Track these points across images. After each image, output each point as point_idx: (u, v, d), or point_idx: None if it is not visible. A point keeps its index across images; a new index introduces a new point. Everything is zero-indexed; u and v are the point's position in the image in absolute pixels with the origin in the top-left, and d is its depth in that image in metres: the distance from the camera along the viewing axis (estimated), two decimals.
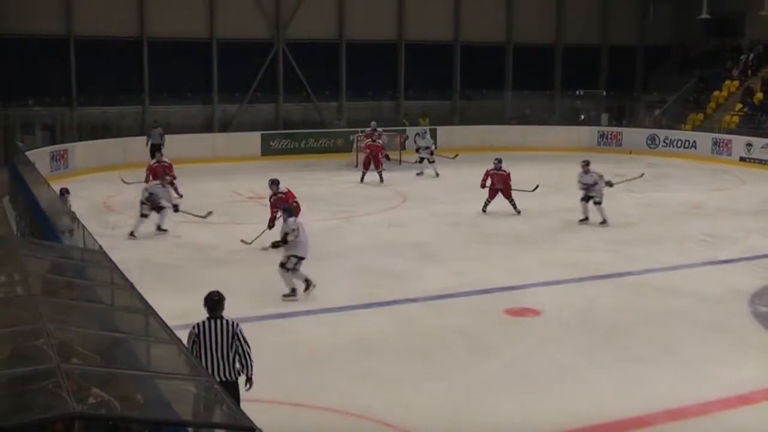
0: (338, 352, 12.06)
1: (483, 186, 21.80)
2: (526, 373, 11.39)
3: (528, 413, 10.11)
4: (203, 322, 8.90)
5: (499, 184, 22.12)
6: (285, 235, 14.36)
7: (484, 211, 21.95)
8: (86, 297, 8.93)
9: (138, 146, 30.02)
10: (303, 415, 10.08)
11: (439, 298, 14.74)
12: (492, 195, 22.11)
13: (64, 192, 17.47)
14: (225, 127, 34.26)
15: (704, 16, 37.19)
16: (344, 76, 36.97)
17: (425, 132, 27.92)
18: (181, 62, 33.77)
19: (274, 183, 17.94)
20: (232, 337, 8.85)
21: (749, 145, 32.34)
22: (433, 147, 28.73)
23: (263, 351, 11.87)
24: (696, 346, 12.45)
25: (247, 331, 11.69)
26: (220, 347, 8.82)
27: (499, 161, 22.26)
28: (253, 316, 12.98)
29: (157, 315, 8.16)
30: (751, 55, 38.40)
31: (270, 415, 9.41)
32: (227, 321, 8.92)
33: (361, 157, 28.39)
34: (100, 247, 11.60)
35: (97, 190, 19.88)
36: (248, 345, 8.94)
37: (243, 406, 6.11)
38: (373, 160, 27.25)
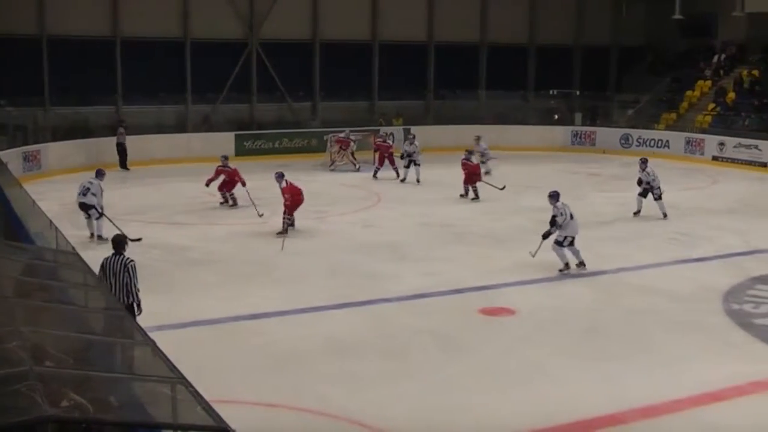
0: (313, 353, 12.05)
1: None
2: (500, 372, 11.44)
3: (502, 412, 10.14)
4: (108, 257, 11.09)
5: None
6: (554, 217, 16.05)
7: (465, 195, 23.97)
8: (59, 299, 8.89)
9: (112, 146, 29.87)
10: (278, 416, 10.08)
11: (413, 298, 14.75)
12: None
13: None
14: (199, 128, 34.10)
15: (677, 16, 37.43)
16: (318, 77, 36.92)
17: (413, 138, 27.93)
18: (155, 62, 33.61)
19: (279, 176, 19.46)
20: (124, 270, 10.86)
21: (722, 144, 32.57)
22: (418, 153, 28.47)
23: (238, 352, 11.91)
24: (669, 345, 12.53)
25: (222, 332, 11.73)
26: (119, 277, 10.86)
27: (470, 153, 24.61)
28: (227, 317, 12.99)
29: (131, 317, 8.13)
30: (724, 56, 38.63)
31: (245, 416, 9.42)
32: (124, 257, 11.04)
33: (343, 156, 30.36)
34: (73, 248, 11.56)
35: (70, 191, 19.74)
36: (135, 278, 10.96)
37: (217, 407, 6.06)
38: (388, 159, 28.21)
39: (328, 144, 31.25)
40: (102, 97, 32.75)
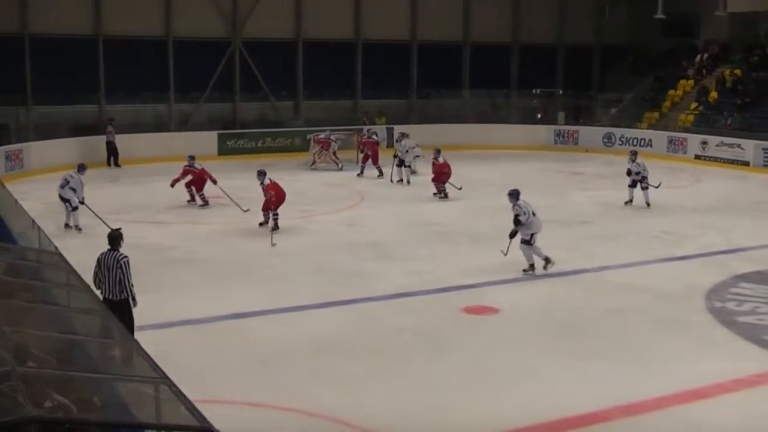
0: (297, 352, 12.03)
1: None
2: (484, 370, 11.44)
3: (486, 410, 10.14)
4: (103, 252, 11.18)
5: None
6: (516, 216, 16.07)
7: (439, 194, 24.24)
8: (42, 299, 8.86)
9: (94, 145, 29.77)
10: (262, 415, 10.05)
11: (397, 296, 14.74)
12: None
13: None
14: (181, 127, 33.99)
15: (659, 16, 37.55)
16: (301, 76, 36.84)
17: (402, 137, 28.00)
18: (138, 61, 33.46)
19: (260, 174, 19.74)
20: (117, 266, 10.95)
21: (704, 143, 32.70)
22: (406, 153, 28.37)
23: (221, 352, 11.89)
24: (652, 342, 12.57)
25: (205, 332, 11.70)
26: (111, 272, 10.97)
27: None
28: (210, 317, 12.95)
29: (114, 317, 8.11)
30: (706, 55, 38.82)
31: (229, 416, 9.40)
32: (117, 253, 11.12)
33: (324, 156, 30.42)
34: (56, 248, 11.53)
35: (53, 191, 19.67)
36: (128, 274, 11.04)
37: (201, 406, 6.06)
38: (372, 157, 28.28)
39: (311, 143, 31.23)
40: (84, 96, 32.55)
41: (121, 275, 11.02)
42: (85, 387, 6.49)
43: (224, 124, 35.06)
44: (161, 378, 6.65)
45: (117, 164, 30.42)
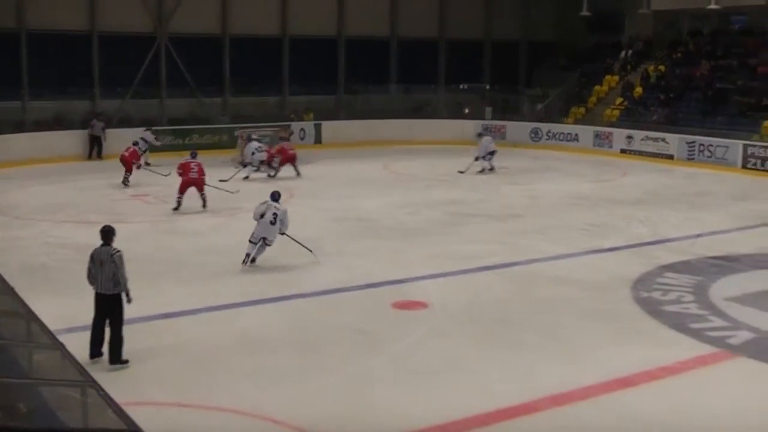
0: (226, 351, 11.93)
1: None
2: (415, 365, 11.45)
3: (417, 405, 10.15)
4: (97, 247, 11.27)
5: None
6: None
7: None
8: None
9: (13, 143, 29.29)
10: (192, 416, 9.94)
11: (327, 293, 14.70)
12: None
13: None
14: (107, 123, 33.47)
15: (585, 13, 38.01)
16: (228, 72, 36.59)
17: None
18: (61, 56, 32.86)
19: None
20: (110, 261, 11.06)
21: (630, 137, 33.18)
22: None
23: (150, 353, 11.73)
24: (580, 333, 12.71)
25: (133, 332, 11.56)
26: (105, 267, 11.06)
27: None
28: (139, 317, 12.75)
29: (39, 320, 7.97)
30: (630, 52, 39.42)
31: (158, 417, 9.35)
32: (111, 248, 11.23)
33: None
34: None
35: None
36: (122, 268, 11.14)
37: (129, 409, 5.97)
38: (291, 162, 27.80)
39: (239, 139, 31.01)
40: (5, 92, 31.86)
41: (115, 270, 11.08)
42: (9, 393, 6.36)
43: (151, 120, 34.56)
44: (88, 382, 6.55)
45: (99, 156, 31.08)
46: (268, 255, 16.65)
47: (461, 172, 27.50)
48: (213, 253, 17.27)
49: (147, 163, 27.38)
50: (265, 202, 16.32)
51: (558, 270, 16.25)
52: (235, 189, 23.15)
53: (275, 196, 16.52)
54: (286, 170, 27.30)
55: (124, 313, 11.23)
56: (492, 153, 28.43)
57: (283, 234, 16.24)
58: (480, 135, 29.19)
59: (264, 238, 16.02)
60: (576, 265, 16.71)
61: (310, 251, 16.57)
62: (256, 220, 16.11)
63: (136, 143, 26.72)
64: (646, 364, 11.40)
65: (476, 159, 28.17)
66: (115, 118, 33.79)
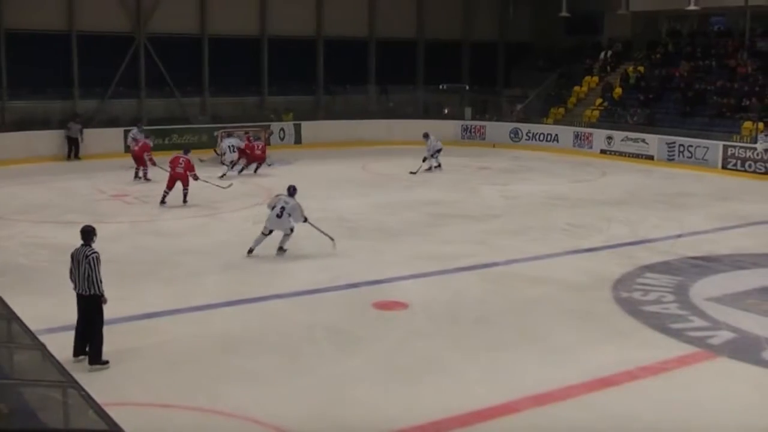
0: (206, 351, 11.88)
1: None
2: (394, 365, 11.43)
3: (397, 405, 10.13)
4: (77, 247, 11.25)
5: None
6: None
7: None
8: None
9: None
10: (172, 417, 9.89)
11: (307, 293, 14.67)
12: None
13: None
14: (87, 123, 33.28)
15: (564, 14, 38.08)
16: (207, 72, 36.49)
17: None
18: (40, 56, 32.63)
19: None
20: (86, 262, 11.04)
21: (609, 138, 33.25)
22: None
23: (131, 353, 11.68)
24: (561, 333, 12.70)
25: (114, 333, 11.50)
26: (80, 268, 11.07)
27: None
28: (119, 318, 12.68)
29: (20, 320, 7.91)
30: (610, 52, 39.55)
31: (138, 418, 9.29)
32: (87, 249, 11.18)
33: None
34: None
35: None
36: (97, 270, 11.08)
37: (110, 410, 5.92)
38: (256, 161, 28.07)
39: (219, 139, 30.94)
40: None
41: (89, 271, 11.04)
42: None
43: (130, 120, 34.38)
44: (69, 382, 6.50)
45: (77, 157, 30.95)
46: (248, 257, 16.61)
47: (413, 173, 27.69)
48: (193, 253, 17.21)
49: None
50: (278, 195, 17.15)
51: (538, 270, 16.26)
52: (227, 184, 23.40)
53: (290, 191, 17.18)
54: (263, 169, 27.42)
55: (102, 314, 11.15)
56: (438, 151, 28.86)
57: (305, 222, 17.07)
58: (426, 135, 29.12)
59: (274, 230, 16.90)
60: (556, 265, 16.72)
61: (332, 239, 17.13)
62: (269, 210, 17.01)
63: (147, 136, 27.45)
64: (627, 364, 11.40)
65: (424, 159, 28.47)
66: (95, 118, 33.60)
